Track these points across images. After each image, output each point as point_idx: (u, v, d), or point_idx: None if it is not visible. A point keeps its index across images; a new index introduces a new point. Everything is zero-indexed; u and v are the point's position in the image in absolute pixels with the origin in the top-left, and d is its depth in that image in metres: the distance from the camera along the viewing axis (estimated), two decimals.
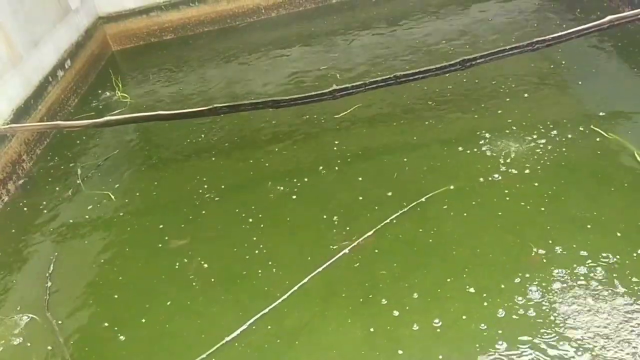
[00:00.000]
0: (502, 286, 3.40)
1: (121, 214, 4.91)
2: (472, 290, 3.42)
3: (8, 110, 5.68)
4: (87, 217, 4.95)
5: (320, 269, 3.79)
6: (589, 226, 3.70)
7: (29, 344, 3.76)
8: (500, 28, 6.77)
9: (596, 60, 5.60)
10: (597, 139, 4.47)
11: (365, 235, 3.98)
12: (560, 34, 5.01)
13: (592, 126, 4.60)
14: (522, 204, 3.99)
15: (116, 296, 4.03)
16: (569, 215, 3.81)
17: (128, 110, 6.78)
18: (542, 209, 3.91)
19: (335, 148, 5.12)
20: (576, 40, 5.17)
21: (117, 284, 4.15)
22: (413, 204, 4.18)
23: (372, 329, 3.31)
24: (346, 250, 3.90)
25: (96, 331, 3.78)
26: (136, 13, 8.56)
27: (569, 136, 4.55)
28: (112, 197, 5.11)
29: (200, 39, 8.57)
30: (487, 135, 4.77)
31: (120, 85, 7.23)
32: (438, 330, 3.23)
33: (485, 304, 3.31)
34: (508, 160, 4.42)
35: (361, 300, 3.52)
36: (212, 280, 3.96)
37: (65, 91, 6.94)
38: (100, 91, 7.40)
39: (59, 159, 5.95)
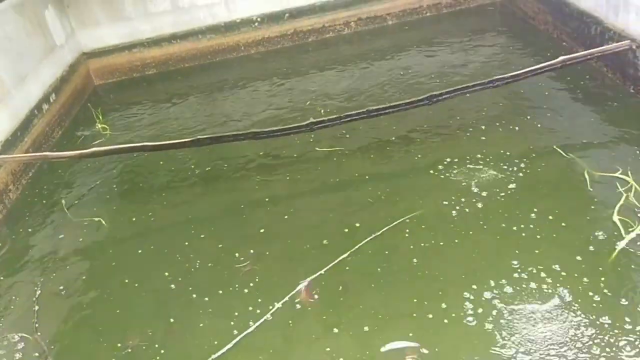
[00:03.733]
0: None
1: (105, 240, 5.13)
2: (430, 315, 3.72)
3: None
4: (72, 244, 5.14)
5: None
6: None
7: None
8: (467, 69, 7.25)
9: (550, 97, 6.06)
10: (555, 165, 4.89)
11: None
12: (517, 72, 5.46)
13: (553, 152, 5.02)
14: (485, 227, 4.34)
15: (105, 318, 4.22)
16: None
17: (108, 141, 7.01)
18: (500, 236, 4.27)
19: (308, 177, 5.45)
20: (534, 77, 5.65)
21: (105, 306, 4.35)
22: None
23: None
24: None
25: (84, 351, 3.96)
26: (119, 49, 8.84)
27: (527, 165, 4.95)
28: (103, 222, 5.31)
29: (182, 74, 8.88)
30: (453, 164, 5.14)
31: (101, 118, 7.46)
32: None
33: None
34: (474, 188, 4.78)
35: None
36: (194, 306, 4.20)
37: (50, 124, 7.15)
38: (83, 124, 7.62)
39: (45, 188, 6.13)
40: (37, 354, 3.98)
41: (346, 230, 4.59)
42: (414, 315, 3.71)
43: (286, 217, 4.93)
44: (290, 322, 3.84)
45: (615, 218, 4.14)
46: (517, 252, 4.07)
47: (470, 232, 4.34)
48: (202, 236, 4.90)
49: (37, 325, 4.23)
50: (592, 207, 4.36)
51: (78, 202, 5.80)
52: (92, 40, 8.73)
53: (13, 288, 4.70)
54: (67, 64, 8.16)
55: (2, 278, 4.82)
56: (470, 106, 6.06)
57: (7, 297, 4.60)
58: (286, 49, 8.99)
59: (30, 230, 5.42)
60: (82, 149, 5.88)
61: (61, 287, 4.61)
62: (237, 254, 4.55)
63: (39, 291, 4.57)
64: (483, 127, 5.71)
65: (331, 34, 9.05)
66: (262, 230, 4.79)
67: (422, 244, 4.30)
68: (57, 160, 6.16)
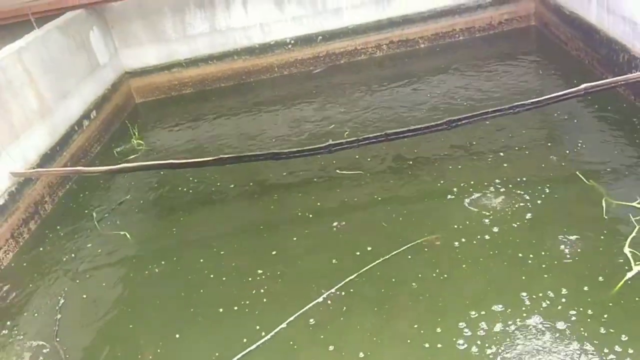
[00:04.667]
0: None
1: (132, 254, 5.36)
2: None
3: (34, 156, 6.25)
4: (100, 255, 5.40)
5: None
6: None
7: None
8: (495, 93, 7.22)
9: (575, 123, 5.98)
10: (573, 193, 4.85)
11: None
12: (538, 99, 5.44)
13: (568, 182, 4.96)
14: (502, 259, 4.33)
15: (121, 330, 4.43)
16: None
17: (141, 156, 7.33)
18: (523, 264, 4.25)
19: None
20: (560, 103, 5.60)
21: (122, 318, 4.55)
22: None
23: None
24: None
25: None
26: (159, 69, 9.23)
27: (544, 192, 4.90)
28: (128, 236, 5.56)
29: (217, 93, 9.19)
30: (469, 189, 5.14)
31: (137, 134, 7.81)
32: None
33: None
34: (489, 214, 4.77)
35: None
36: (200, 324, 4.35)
37: (89, 139, 7.53)
38: (120, 140, 7.98)
39: (79, 201, 6.45)
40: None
41: (358, 253, 4.65)
42: (409, 341, 3.74)
43: (299, 238, 5.04)
44: (291, 342, 3.93)
45: (627, 250, 4.06)
46: (524, 279, 4.05)
47: (480, 259, 4.34)
48: (221, 253, 5.06)
49: (57, 332, 4.46)
50: (605, 237, 4.28)
51: (108, 215, 6.07)
52: (135, 60, 9.16)
53: (39, 296, 4.98)
54: (110, 83, 8.58)
55: (30, 286, 5.10)
56: (490, 131, 6.04)
57: (33, 304, 4.87)
58: (319, 70, 9.17)
59: (60, 240, 5.73)
60: (114, 165, 6.18)
61: (84, 297, 4.85)
62: (251, 273, 4.68)
63: (63, 300, 4.82)
64: (502, 153, 5.68)
65: (363, 57, 9.19)
66: (274, 252, 4.90)
67: (430, 269, 4.32)
68: (89, 174, 6.47)
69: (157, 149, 7.54)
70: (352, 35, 9.02)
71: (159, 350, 4.11)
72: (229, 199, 5.95)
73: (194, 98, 9.23)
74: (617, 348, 3.40)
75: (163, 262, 5.10)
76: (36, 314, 4.73)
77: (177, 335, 4.21)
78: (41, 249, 5.65)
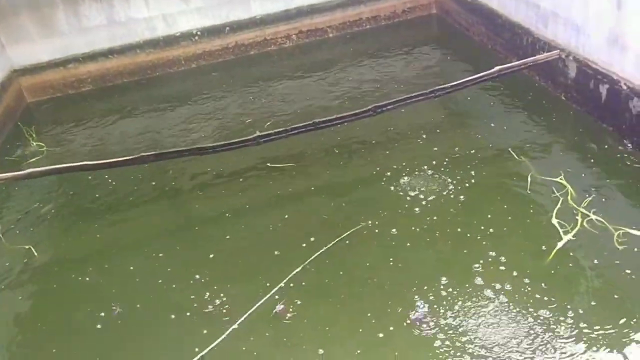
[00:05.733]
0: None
1: (42, 267, 4.91)
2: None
3: None
4: (9, 271, 4.89)
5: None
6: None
7: None
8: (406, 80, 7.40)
9: (485, 105, 6.28)
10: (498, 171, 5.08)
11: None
12: (457, 82, 5.64)
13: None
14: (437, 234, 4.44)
15: (46, 349, 4.02)
16: None
17: (45, 160, 6.73)
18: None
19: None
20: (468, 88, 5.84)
21: (38, 336, 4.17)
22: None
23: None
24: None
25: None
26: (52, 65, 8.51)
27: (469, 171, 5.10)
28: (34, 251, 5.07)
29: (120, 89, 8.64)
30: (400, 173, 5.23)
31: (34, 136, 7.17)
32: None
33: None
34: (421, 196, 4.88)
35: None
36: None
37: None
38: (16, 143, 7.28)
39: None
40: None
41: (303, 244, 4.55)
42: (360, 330, 3.73)
43: (234, 237, 4.86)
44: (245, 344, 3.78)
45: (554, 221, 4.32)
46: (465, 254, 4.19)
47: (421, 239, 4.43)
48: (152, 259, 4.74)
49: None
50: (534, 210, 4.54)
51: (14, 226, 5.51)
52: (24, 56, 8.37)
53: None
54: None
55: None
56: (410, 117, 6.18)
57: None
58: (228, 62, 8.92)
59: None
60: (16, 171, 5.62)
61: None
62: (191, 276, 4.43)
63: None
64: (424, 135, 5.84)
65: (273, 47, 9.06)
66: (211, 255, 4.65)
67: (374, 255, 4.34)
68: None
69: (59, 152, 6.96)
70: (260, 26, 8.85)
71: None
72: (149, 201, 5.62)
73: (94, 95, 8.61)
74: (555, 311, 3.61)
75: (88, 270, 4.71)
76: None
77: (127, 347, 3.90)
78: None
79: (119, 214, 5.48)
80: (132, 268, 4.69)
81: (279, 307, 3.94)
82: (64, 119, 7.95)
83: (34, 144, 7.06)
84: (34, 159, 6.77)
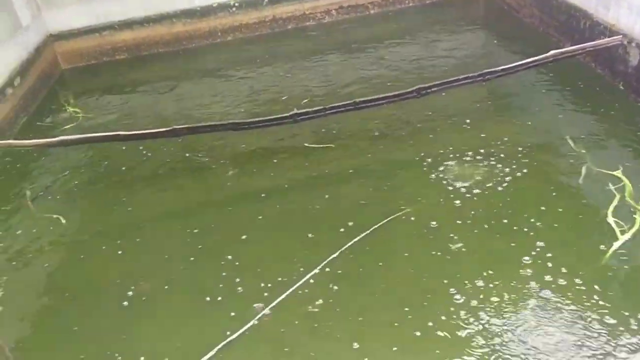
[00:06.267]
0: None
1: (71, 237, 4.80)
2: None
3: None
4: (37, 240, 4.80)
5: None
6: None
7: None
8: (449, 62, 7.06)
9: (537, 92, 5.92)
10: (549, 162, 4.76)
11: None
12: (508, 66, 5.30)
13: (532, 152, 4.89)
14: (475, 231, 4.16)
15: (70, 319, 3.92)
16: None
17: (79, 127, 6.64)
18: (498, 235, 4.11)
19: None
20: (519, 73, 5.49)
21: (71, 306, 4.06)
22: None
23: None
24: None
25: (50, 355, 3.67)
26: (88, 31, 8.41)
27: (517, 161, 4.80)
28: (62, 220, 4.97)
29: (154, 59, 8.50)
30: (444, 159, 4.96)
31: (71, 101, 7.08)
32: None
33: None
34: (465, 185, 4.61)
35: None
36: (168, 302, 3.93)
37: (15, 109, 6.73)
38: (49, 109, 7.22)
39: (8, 178, 5.74)
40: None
41: (342, 230, 4.33)
42: (396, 324, 3.51)
43: (267, 217, 4.66)
44: (281, 324, 3.61)
45: (610, 219, 4.02)
46: (512, 247, 3.92)
47: (464, 229, 4.16)
48: (182, 235, 4.58)
49: None
50: (587, 205, 4.24)
51: (43, 194, 5.43)
52: (60, 21, 8.27)
53: None
54: (33, 46, 7.70)
55: None
56: (454, 101, 5.88)
57: None
58: (264, 35, 8.68)
59: None
60: (50, 137, 5.53)
61: (26, 287, 4.28)
62: (223, 256, 4.26)
63: (2, 292, 4.23)
64: (468, 120, 5.54)
65: (311, 22, 8.77)
66: (244, 236, 4.44)
67: (412, 245, 4.10)
68: (21, 148, 5.75)
69: (93, 120, 6.85)
70: None
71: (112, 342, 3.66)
72: (182, 175, 5.45)
73: (128, 64, 8.51)
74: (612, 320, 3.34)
75: (117, 243, 4.58)
76: None
77: (147, 324, 3.77)
78: None
79: (151, 186, 5.35)
80: (162, 243, 4.55)
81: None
82: (97, 87, 7.86)
83: (70, 109, 6.98)
84: (68, 126, 6.70)
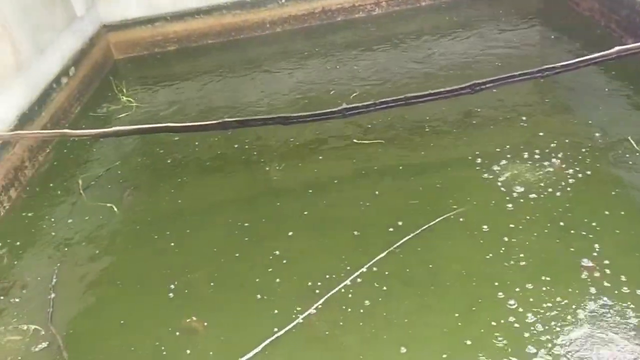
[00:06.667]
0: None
1: (121, 226, 4.88)
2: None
3: (12, 116, 5.63)
4: (88, 228, 4.90)
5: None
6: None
7: (31, 357, 3.70)
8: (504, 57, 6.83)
9: (597, 90, 5.66)
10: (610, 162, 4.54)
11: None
12: (568, 62, 5.06)
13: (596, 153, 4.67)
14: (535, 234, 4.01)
15: (121, 308, 3.99)
16: None
17: (133, 116, 6.77)
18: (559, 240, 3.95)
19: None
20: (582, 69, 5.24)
21: (120, 296, 4.12)
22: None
23: None
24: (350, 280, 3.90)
25: (101, 343, 3.74)
26: (140, 22, 8.54)
27: (581, 161, 4.60)
28: (115, 209, 5.06)
29: (204, 50, 8.56)
30: (499, 157, 4.81)
31: (125, 91, 7.21)
32: None
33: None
34: (519, 185, 4.45)
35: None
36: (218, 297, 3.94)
37: (69, 98, 6.90)
38: (103, 99, 7.36)
39: (61, 166, 5.90)
40: (47, 345, 3.75)
41: (391, 229, 4.24)
42: (445, 330, 3.41)
43: (318, 212, 4.62)
44: (325, 324, 3.57)
45: None
46: (570, 252, 3.76)
47: (516, 234, 4.02)
48: (228, 230, 4.59)
49: (52, 315, 4.00)
50: None
51: (95, 183, 5.54)
52: (113, 11, 8.42)
53: (29, 272, 4.48)
54: (88, 36, 7.87)
55: (17, 262, 4.60)
56: (508, 98, 5.68)
57: (22, 282, 4.38)
58: (314, 27, 8.61)
59: (45, 211, 5.19)
60: (104, 127, 5.64)
61: (78, 275, 4.37)
62: (270, 252, 4.24)
63: (55, 279, 4.34)
64: (524, 118, 5.34)
65: (361, 14, 8.65)
66: (290, 233, 4.41)
67: (463, 247, 3.99)
68: (76, 138, 5.88)
69: (146, 110, 6.96)
70: None
71: (166, 333, 3.70)
72: (231, 168, 5.45)
73: (179, 56, 8.58)
74: None
75: (167, 234, 4.63)
76: (27, 294, 4.25)
77: (195, 317, 3.80)
78: (24, 221, 5.11)
79: (200, 178, 5.38)
80: (210, 236, 4.56)
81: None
82: (149, 77, 7.97)
83: (124, 98, 7.10)
84: (122, 115, 6.83)
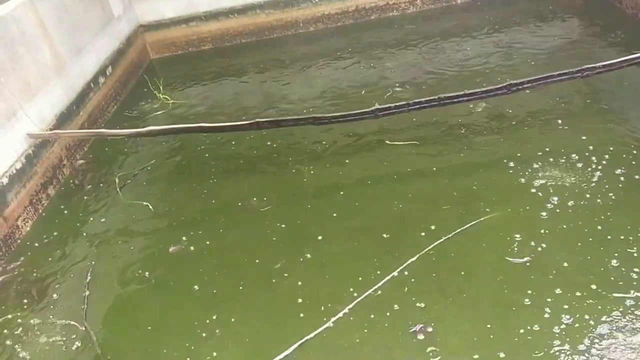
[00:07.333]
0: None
1: (156, 225, 4.94)
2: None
3: (51, 115, 5.76)
4: (124, 226, 4.98)
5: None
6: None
7: (66, 354, 3.77)
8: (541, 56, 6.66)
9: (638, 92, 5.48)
10: None
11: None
12: (610, 62, 4.92)
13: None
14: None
15: (154, 307, 4.04)
16: None
17: (169, 114, 6.86)
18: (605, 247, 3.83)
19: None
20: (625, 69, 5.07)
21: (152, 295, 4.18)
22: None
23: None
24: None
25: (133, 342, 3.79)
26: (176, 22, 8.64)
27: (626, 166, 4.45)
28: (150, 207, 5.12)
29: (238, 50, 8.61)
30: (534, 160, 4.69)
31: (161, 88, 7.31)
32: None
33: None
34: (566, 187, 4.33)
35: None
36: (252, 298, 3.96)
37: (106, 97, 7.02)
38: (139, 98, 7.47)
39: (98, 165, 6.01)
40: (81, 342, 3.82)
41: (423, 234, 4.18)
42: (475, 339, 3.34)
43: (343, 215, 4.59)
44: (353, 329, 3.55)
45: None
46: (606, 264, 3.64)
47: (550, 241, 3.90)
48: (258, 231, 4.60)
49: (86, 312, 4.07)
50: None
51: (131, 181, 5.62)
52: (150, 12, 8.55)
53: (64, 270, 4.58)
54: (124, 36, 8.00)
55: (52, 259, 4.70)
56: (544, 98, 5.53)
57: (58, 279, 4.48)
58: (347, 26, 8.57)
59: (82, 209, 5.30)
60: (139, 125, 5.72)
61: (112, 273, 4.44)
62: (301, 254, 4.23)
63: (90, 277, 4.42)
64: (560, 120, 5.19)
65: (395, 12, 8.57)
66: (320, 237, 4.38)
67: (494, 254, 3.89)
68: (112, 137, 5.98)
69: (182, 109, 7.03)
70: None
71: (201, 329, 3.73)
72: (262, 168, 5.46)
73: (213, 55, 8.66)
74: None
75: (199, 234, 4.67)
76: (63, 291, 4.35)
77: (225, 318, 3.82)
78: (62, 218, 5.23)
79: (233, 177, 5.41)
80: (243, 236, 4.59)
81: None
82: (185, 77, 8.05)
83: (161, 96, 7.20)
84: (159, 112, 6.93)
